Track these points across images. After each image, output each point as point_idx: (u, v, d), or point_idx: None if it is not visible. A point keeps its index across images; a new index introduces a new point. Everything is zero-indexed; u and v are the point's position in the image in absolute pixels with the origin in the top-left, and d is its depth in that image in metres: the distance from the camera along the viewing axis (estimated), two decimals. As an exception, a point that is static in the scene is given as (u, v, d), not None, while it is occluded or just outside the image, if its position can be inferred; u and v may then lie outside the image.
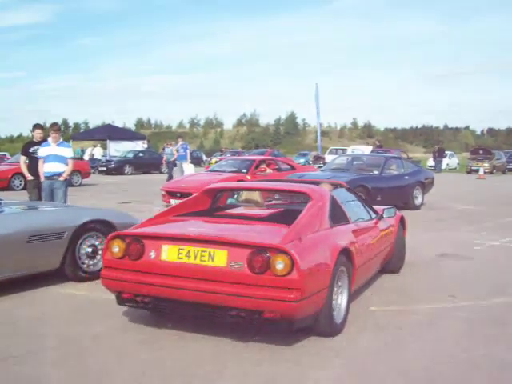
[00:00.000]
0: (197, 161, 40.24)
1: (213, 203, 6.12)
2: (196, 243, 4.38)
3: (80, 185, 21.40)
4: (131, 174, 31.21)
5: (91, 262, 6.50)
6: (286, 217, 5.12)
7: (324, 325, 4.56)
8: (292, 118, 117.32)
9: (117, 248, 4.61)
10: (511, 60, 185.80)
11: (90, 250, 6.47)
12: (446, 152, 40.44)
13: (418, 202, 14.46)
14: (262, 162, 16.36)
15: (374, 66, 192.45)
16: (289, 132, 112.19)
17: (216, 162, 32.49)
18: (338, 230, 5.11)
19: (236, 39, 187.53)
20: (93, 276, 6.42)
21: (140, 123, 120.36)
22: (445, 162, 38.86)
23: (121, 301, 4.73)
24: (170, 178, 20.62)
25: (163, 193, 14.58)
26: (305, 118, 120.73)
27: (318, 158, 45.26)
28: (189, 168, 20.85)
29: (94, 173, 27.78)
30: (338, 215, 5.33)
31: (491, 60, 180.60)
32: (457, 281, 6.72)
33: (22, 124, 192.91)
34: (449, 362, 4.16)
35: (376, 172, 13.71)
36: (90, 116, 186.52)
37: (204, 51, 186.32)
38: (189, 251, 4.36)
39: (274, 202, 6.68)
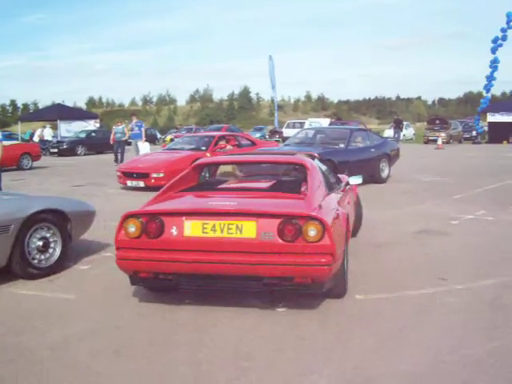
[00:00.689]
0: (151, 138, 39.13)
1: (200, 178, 6.14)
2: (221, 217, 4.39)
3: (30, 168, 20.43)
4: (84, 154, 30.07)
5: (43, 257, 5.83)
6: (287, 187, 5.34)
7: (339, 287, 4.81)
8: (245, 93, 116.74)
9: (133, 227, 4.51)
10: (461, 30, 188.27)
11: (40, 243, 5.80)
12: (403, 123, 40.57)
13: (384, 174, 14.14)
14: (221, 138, 15.76)
15: (326, 38, 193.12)
16: (243, 107, 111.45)
17: (171, 139, 31.68)
18: (334, 197, 5.39)
19: (187, 14, 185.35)
20: (45, 272, 5.80)
21: (91, 102, 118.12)
22: (401, 132, 38.93)
23: (136, 280, 4.72)
24: (122, 160, 19.66)
25: (119, 174, 13.92)
26: (258, 93, 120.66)
27: (274, 133, 44.87)
28: (144, 147, 20.07)
29: (45, 155, 26.60)
30: (328, 183, 5.59)
31: (441, 31, 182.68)
32: (442, 261, 6.27)
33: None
34: (454, 360, 3.67)
35: (342, 145, 13.23)
36: (39, 96, 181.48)
37: (154, 27, 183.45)
38: (214, 225, 4.36)
39: (246, 174, 6.61)
